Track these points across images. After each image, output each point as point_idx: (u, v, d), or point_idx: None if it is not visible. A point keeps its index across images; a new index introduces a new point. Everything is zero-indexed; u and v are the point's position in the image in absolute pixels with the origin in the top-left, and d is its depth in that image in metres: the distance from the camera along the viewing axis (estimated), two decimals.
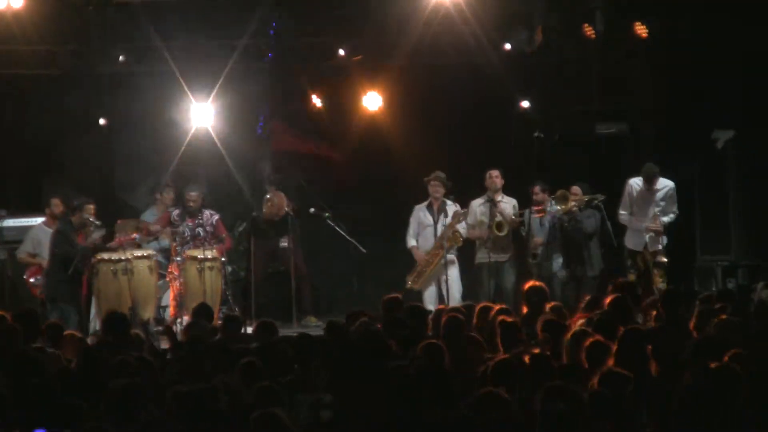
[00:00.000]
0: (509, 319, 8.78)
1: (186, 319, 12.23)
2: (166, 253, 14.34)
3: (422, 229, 14.13)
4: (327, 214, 14.85)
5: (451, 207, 13.97)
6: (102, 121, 16.08)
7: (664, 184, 13.50)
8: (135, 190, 16.15)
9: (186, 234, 13.99)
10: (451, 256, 13.95)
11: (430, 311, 10.52)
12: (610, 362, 7.10)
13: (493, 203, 13.86)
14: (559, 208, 13.64)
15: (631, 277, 13.34)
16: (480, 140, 15.55)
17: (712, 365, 6.31)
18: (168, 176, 15.12)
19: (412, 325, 9.21)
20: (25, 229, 14.40)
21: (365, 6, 14.83)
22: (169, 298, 14.03)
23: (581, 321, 9.15)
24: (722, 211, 15.12)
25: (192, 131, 14.96)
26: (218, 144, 15.00)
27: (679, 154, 14.88)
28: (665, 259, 13.40)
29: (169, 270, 14.01)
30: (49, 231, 13.59)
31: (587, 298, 10.37)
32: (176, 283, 13.78)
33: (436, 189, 14.03)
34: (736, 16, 13.79)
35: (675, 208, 13.54)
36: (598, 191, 13.71)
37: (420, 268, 14.00)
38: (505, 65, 14.93)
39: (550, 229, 13.79)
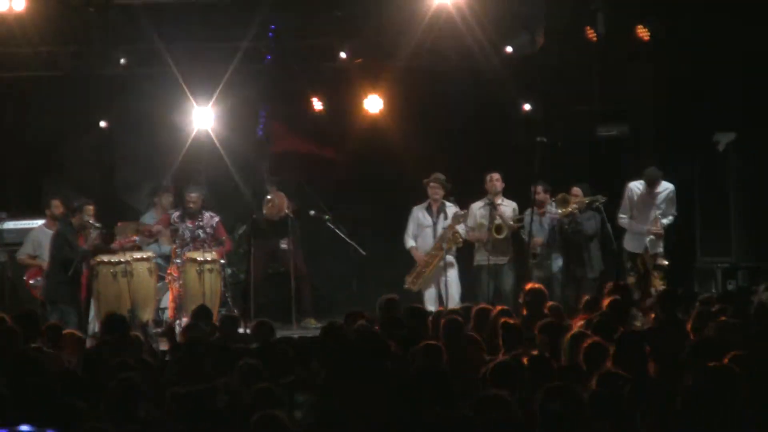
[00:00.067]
0: (511, 321, 8.79)
1: (185, 321, 12.22)
2: (167, 259, 14.34)
3: (421, 230, 14.14)
4: (327, 217, 14.87)
5: (451, 208, 13.97)
6: (103, 123, 16.11)
7: (665, 187, 13.49)
8: (136, 192, 16.16)
9: (186, 236, 14.00)
10: (450, 258, 13.96)
11: (430, 312, 10.53)
12: (609, 363, 7.10)
13: (493, 206, 13.86)
14: (559, 211, 13.66)
15: (631, 279, 13.33)
16: (481, 143, 15.57)
17: (712, 366, 6.30)
18: (167, 180, 15.13)
19: (411, 325, 9.21)
20: (26, 232, 14.41)
21: (366, 8, 14.83)
22: (168, 300, 14.04)
23: (580, 323, 9.16)
24: (722, 212, 15.11)
25: (193, 134, 14.97)
26: (219, 147, 15.00)
27: (680, 155, 14.88)
28: (666, 262, 13.39)
29: (169, 272, 14.01)
30: (50, 232, 13.59)
31: (585, 298, 10.39)
32: (175, 285, 13.79)
33: (435, 191, 14.04)
34: (736, 16, 13.78)
35: (674, 210, 13.53)
36: (599, 193, 13.71)
37: (419, 268, 14.00)
38: (506, 68, 14.94)
39: (550, 231, 13.79)
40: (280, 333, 10.32)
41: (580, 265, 13.70)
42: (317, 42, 15.44)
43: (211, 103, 14.84)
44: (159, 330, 13.37)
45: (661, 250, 13.41)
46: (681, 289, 12.32)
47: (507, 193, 14.07)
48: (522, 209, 13.93)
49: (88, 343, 10.09)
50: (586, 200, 13.68)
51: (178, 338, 10.19)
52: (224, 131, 15.13)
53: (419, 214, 14.18)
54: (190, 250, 13.82)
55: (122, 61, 15.19)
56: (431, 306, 13.26)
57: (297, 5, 15.05)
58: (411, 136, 15.50)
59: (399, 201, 14.84)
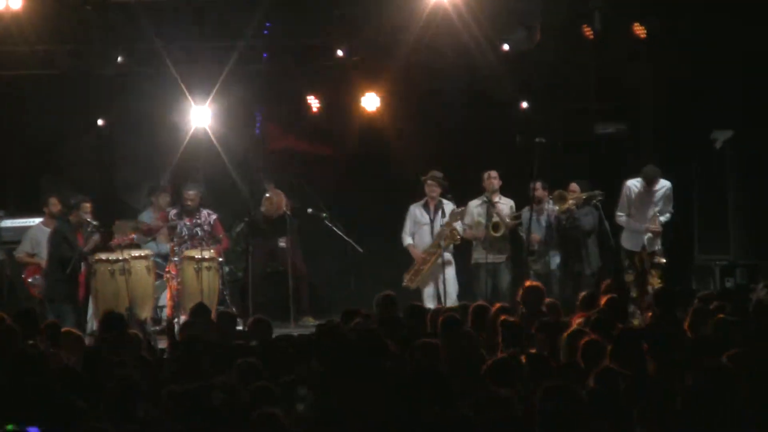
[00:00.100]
0: (511, 319, 8.80)
1: (183, 318, 12.23)
2: (165, 257, 14.34)
3: (418, 228, 14.14)
4: (325, 215, 14.88)
5: (448, 206, 13.98)
6: (100, 122, 16.10)
7: (662, 184, 13.48)
8: (134, 191, 16.15)
9: (184, 233, 13.99)
10: (448, 256, 13.97)
11: (430, 309, 10.54)
12: (607, 361, 7.10)
13: (490, 204, 13.87)
14: (556, 207, 13.67)
15: (629, 277, 13.34)
16: (478, 141, 15.56)
17: (711, 365, 6.31)
18: (165, 179, 15.12)
19: (410, 324, 9.22)
20: (24, 230, 14.42)
21: (364, 7, 14.82)
22: (166, 298, 14.03)
23: (579, 321, 9.17)
24: (721, 211, 15.13)
25: (191, 132, 14.97)
26: (217, 145, 15.00)
27: (678, 154, 14.89)
28: (664, 260, 13.38)
29: (167, 270, 14.00)
30: (48, 231, 13.60)
31: (582, 295, 10.39)
32: (173, 283, 13.78)
33: (431, 188, 14.06)
34: (736, 16, 13.78)
35: (671, 207, 13.52)
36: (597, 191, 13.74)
37: (417, 266, 14.01)
38: (503, 65, 14.93)
39: (547, 228, 13.79)
40: (279, 331, 10.31)
41: (578, 261, 13.71)
42: (314, 40, 15.43)
43: (208, 102, 14.84)
44: (157, 328, 13.40)
45: (658, 248, 13.41)
46: (678, 287, 12.32)
47: (504, 191, 14.07)
48: (519, 207, 13.94)
49: (87, 342, 10.08)
50: (584, 196, 13.69)
51: (177, 336, 10.19)
52: (222, 129, 15.14)
53: (416, 212, 14.19)
54: (187, 248, 13.82)
55: (120, 60, 15.16)
56: (430, 303, 13.26)
57: (294, 4, 15.04)
58: (408, 133, 15.51)
59: (397, 199, 14.84)
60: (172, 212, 14.14)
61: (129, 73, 15.33)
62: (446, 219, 13.87)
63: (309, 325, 14.15)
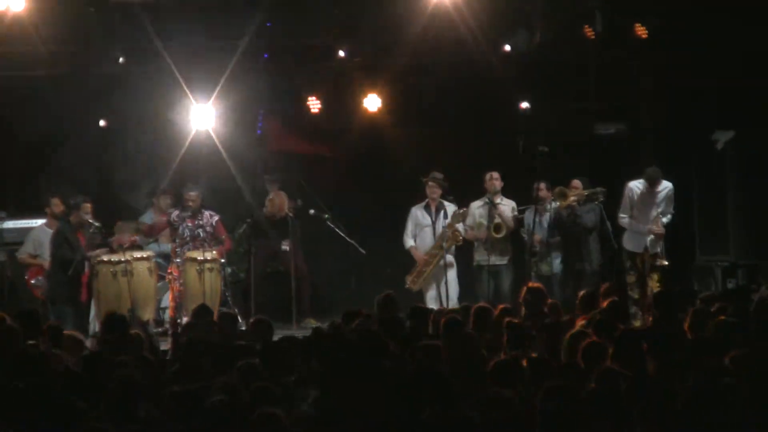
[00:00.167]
0: (516, 321, 8.82)
1: (185, 320, 12.23)
2: (166, 258, 14.34)
3: (420, 230, 14.15)
4: (327, 216, 14.89)
5: (450, 207, 13.99)
6: (102, 122, 16.09)
7: (664, 186, 13.46)
8: (135, 192, 16.15)
9: (185, 235, 13.98)
10: (450, 258, 13.97)
11: (432, 310, 10.55)
12: (608, 362, 7.11)
13: (492, 205, 13.88)
14: (558, 204, 13.66)
15: (631, 278, 13.32)
16: (479, 141, 15.56)
17: (712, 366, 6.32)
18: (166, 181, 15.12)
19: (412, 325, 9.23)
20: (25, 231, 14.42)
21: (365, 7, 14.83)
22: (168, 300, 14.04)
23: (581, 322, 9.18)
24: (721, 211, 15.13)
25: (193, 132, 14.97)
26: (219, 145, 15.00)
27: (678, 154, 14.89)
28: (666, 262, 13.36)
29: (169, 271, 14.01)
30: (51, 231, 13.60)
31: (581, 294, 10.37)
32: (176, 284, 13.78)
33: (432, 190, 14.07)
34: (736, 16, 13.77)
35: (672, 209, 13.51)
36: None
37: (419, 268, 14.01)
38: (504, 66, 14.93)
39: (549, 228, 13.78)
40: (280, 332, 10.32)
41: (579, 259, 13.69)
42: (315, 40, 15.44)
43: (210, 101, 14.84)
44: (160, 329, 13.39)
45: (660, 249, 13.39)
46: (679, 289, 12.31)
47: (506, 192, 14.07)
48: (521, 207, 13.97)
49: (89, 343, 10.09)
50: (586, 193, 13.68)
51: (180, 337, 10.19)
52: (224, 129, 15.13)
53: (418, 214, 14.19)
54: (189, 249, 13.82)
55: (121, 59, 15.17)
56: (432, 305, 13.23)
57: (294, 4, 15.05)
58: (409, 134, 15.51)
59: (398, 199, 14.85)
60: (174, 214, 14.14)
61: (129, 73, 15.33)
62: (448, 220, 13.87)
63: (311, 326, 14.13)
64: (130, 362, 7.63)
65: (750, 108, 14.59)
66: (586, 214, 13.71)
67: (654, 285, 13.08)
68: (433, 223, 14.07)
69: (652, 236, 13.32)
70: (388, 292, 10.27)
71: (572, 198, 13.61)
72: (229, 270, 14.66)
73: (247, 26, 14.56)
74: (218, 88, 14.70)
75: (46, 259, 13.63)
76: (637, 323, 11.59)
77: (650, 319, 9.61)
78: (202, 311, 10.44)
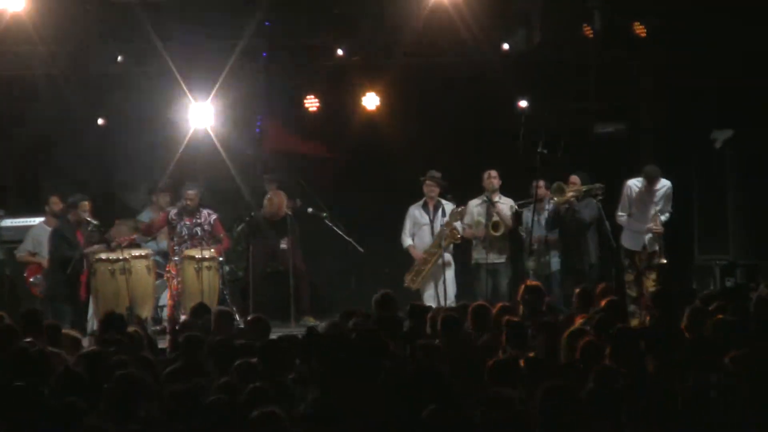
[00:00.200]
0: (515, 319, 8.81)
1: (184, 318, 12.22)
2: (165, 256, 14.34)
3: (418, 229, 14.16)
4: (325, 214, 14.88)
5: (448, 206, 14.00)
6: (101, 121, 16.08)
7: (663, 184, 13.47)
8: (134, 190, 16.14)
9: (184, 233, 13.98)
10: (448, 257, 13.98)
11: (430, 308, 10.54)
12: (606, 361, 7.11)
13: (490, 203, 13.88)
14: (556, 199, 13.63)
15: (629, 277, 13.34)
16: (478, 140, 15.55)
17: (711, 365, 6.32)
18: (165, 180, 15.11)
19: (411, 324, 9.22)
20: (24, 229, 14.43)
21: (363, 6, 14.83)
22: (166, 298, 14.03)
23: (580, 320, 9.18)
24: (721, 211, 15.13)
25: (191, 131, 14.96)
26: (217, 144, 14.99)
27: (678, 154, 14.89)
28: (664, 261, 13.36)
29: (167, 269, 14.00)
30: (49, 230, 13.60)
31: (577, 291, 10.36)
32: (174, 283, 13.78)
33: (430, 189, 14.08)
34: (736, 16, 13.77)
35: (670, 207, 13.51)
36: None
37: (418, 266, 14.01)
38: (503, 65, 14.93)
39: (546, 223, 13.75)
40: (279, 331, 10.32)
41: (577, 255, 13.67)
42: (314, 40, 15.43)
43: (209, 100, 14.83)
44: (158, 328, 13.39)
45: (659, 248, 13.39)
46: (678, 288, 12.31)
47: (504, 190, 14.07)
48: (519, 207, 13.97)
49: (87, 342, 10.08)
50: (584, 188, 13.67)
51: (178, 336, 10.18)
52: (223, 128, 15.12)
53: (416, 213, 14.20)
54: (188, 248, 13.81)
55: (120, 58, 15.17)
56: (430, 304, 13.23)
57: (294, 3, 15.04)
58: (408, 133, 15.50)
59: (397, 198, 14.84)
60: (173, 212, 14.13)
61: (128, 72, 15.33)
62: (446, 218, 13.87)
63: (309, 325, 14.12)
64: (130, 361, 7.63)
65: (750, 108, 14.59)
66: (584, 209, 13.67)
67: (650, 284, 13.07)
68: (431, 221, 14.08)
69: (650, 234, 13.32)
70: (385, 290, 10.26)
71: (570, 194, 13.60)
72: (227, 268, 14.65)
73: (246, 25, 14.55)
74: (217, 87, 14.69)
75: (44, 258, 13.63)
76: (635, 322, 11.59)
77: (648, 317, 9.60)
78: (201, 309, 10.44)
